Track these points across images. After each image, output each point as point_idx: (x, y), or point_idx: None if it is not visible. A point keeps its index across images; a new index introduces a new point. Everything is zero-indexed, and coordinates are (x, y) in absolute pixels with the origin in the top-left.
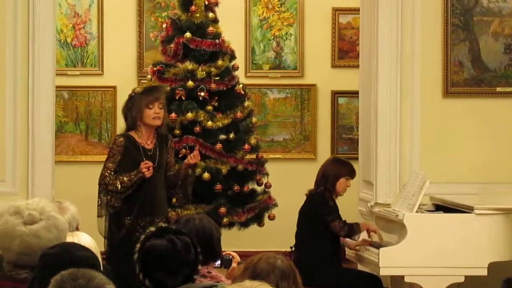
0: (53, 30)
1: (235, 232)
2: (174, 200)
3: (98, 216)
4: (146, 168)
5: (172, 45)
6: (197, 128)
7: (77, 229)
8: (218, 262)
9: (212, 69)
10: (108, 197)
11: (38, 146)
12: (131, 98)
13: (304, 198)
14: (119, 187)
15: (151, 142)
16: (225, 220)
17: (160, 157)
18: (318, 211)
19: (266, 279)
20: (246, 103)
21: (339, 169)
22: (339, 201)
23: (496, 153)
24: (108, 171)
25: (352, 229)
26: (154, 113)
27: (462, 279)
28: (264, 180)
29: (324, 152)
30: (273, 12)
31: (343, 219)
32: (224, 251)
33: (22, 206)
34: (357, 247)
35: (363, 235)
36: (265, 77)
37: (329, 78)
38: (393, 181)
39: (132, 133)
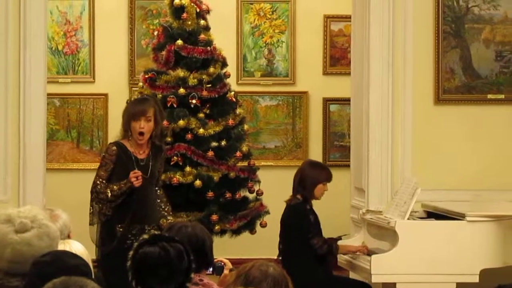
0: (44, 37)
1: (227, 240)
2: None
3: (90, 224)
4: (135, 177)
5: (164, 53)
6: (189, 136)
7: (68, 237)
8: (210, 270)
9: (203, 77)
10: (100, 205)
11: (29, 153)
12: (126, 105)
13: None
14: (109, 195)
15: (144, 152)
16: (217, 227)
17: (153, 167)
18: (299, 225)
19: (258, 287)
20: (238, 111)
21: (316, 175)
22: (331, 208)
23: (487, 160)
24: (100, 179)
25: (331, 250)
26: (139, 128)
27: (453, 286)
28: (256, 188)
29: (315, 159)
30: (265, 20)
31: (324, 236)
32: (216, 259)
33: (14, 214)
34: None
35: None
36: (256, 85)
37: (320, 85)
38: (385, 188)
39: (125, 142)
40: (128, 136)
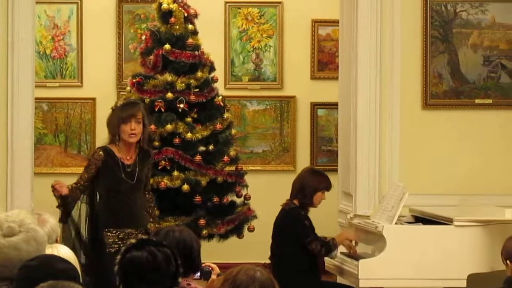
0: (32, 41)
1: (215, 244)
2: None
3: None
4: (53, 188)
5: (152, 57)
6: (177, 140)
7: (56, 241)
8: (198, 274)
9: (191, 81)
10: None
11: (17, 158)
12: (112, 112)
13: None
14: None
15: (131, 158)
16: (204, 232)
17: (140, 173)
18: (294, 230)
19: None
20: (226, 115)
21: (317, 182)
22: (318, 212)
23: (475, 164)
24: (80, 181)
25: (329, 247)
26: (130, 130)
27: None
28: (244, 192)
29: (303, 163)
30: (253, 24)
31: (319, 236)
32: (204, 263)
33: (2, 218)
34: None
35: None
36: (244, 89)
37: (308, 90)
38: (372, 193)
39: (112, 147)
40: (115, 141)
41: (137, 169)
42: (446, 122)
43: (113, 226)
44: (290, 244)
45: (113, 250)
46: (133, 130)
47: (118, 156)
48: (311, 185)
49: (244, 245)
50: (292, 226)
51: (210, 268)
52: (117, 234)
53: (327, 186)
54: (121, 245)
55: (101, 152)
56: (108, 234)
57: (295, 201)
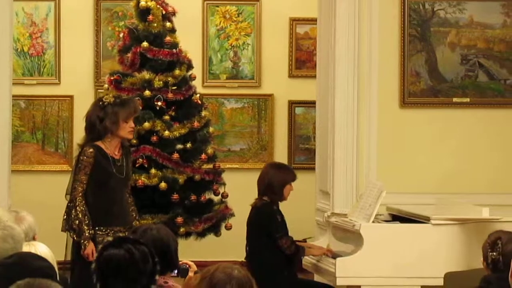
0: (10, 38)
1: (192, 242)
2: None
3: (62, 230)
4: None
5: (129, 55)
6: (154, 138)
7: (34, 239)
8: (175, 272)
9: (169, 79)
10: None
11: None
12: (104, 108)
13: None
14: (77, 223)
15: (118, 153)
16: (182, 230)
17: (127, 168)
18: (267, 225)
19: None
20: (203, 113)
21: (284, 176)
22: (296, 211)
23: (452, 163)
24: (82, 185)
25: (298, 251)
26: (129, 127)
27: None
28: (221, 190)
29: (281, 161)
30: (231, 22)
31: (291, 236)
32: (181, 261)
33: None
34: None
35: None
36: (222, 87)
37: (286, 88)
38: (350, 191)
39: (100, 143)
40: (103, 137)
41: (124, 164)
42: (423, 120)
43: (103, 224)
44: (264, 241)
45: None
46: (132, 128)
47: (107, 152)
48: (279, 180)
49: (221, 243)
50: (264, 221)
51: (188, 266)
52: (106, 232)
53: (294, 177)
54: None
55: (91, 149)
56: (98, 232)
57: (265, 198)
